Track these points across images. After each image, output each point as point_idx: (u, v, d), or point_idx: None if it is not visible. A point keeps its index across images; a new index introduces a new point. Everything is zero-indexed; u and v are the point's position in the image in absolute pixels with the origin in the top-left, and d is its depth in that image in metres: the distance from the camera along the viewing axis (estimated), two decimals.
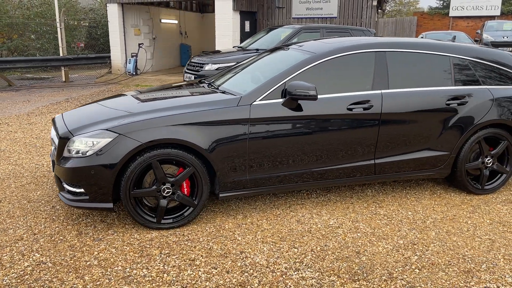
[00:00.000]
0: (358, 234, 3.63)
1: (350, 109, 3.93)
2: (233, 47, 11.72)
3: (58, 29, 14.61)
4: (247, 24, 14.02)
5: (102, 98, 6.14)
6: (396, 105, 4.06)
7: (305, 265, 3.15)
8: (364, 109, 3.96)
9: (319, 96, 3.87)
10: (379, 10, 18.55)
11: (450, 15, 26.75)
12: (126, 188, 3.50)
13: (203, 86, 4.47)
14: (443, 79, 4.31)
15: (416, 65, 4.28)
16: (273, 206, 4.17)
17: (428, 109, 4.15)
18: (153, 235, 3.60)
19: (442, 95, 4.20)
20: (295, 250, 3.37)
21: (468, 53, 4.44)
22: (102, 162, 3.41)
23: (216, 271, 3.07)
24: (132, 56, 15.46)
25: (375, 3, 12.75)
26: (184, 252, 3.32)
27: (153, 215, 3.66)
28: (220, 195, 3.79)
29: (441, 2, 34.08)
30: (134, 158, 3.49)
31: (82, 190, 3.51)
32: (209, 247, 3.40)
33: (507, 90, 4.44)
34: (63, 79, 14.75)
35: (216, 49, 12.41)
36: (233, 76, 4.59)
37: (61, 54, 14.79)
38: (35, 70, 17.44)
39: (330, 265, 3.16)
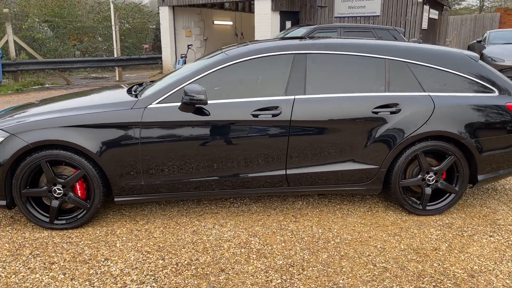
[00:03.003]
0: (242, 250, 3.38)
1: (256, 115, 3.66)
2: None
3: (113, 32, 15.50)
4: (288, 24, 13.77)
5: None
6: (310, 112, 3.71)
7: (153, 279, 2.99)
8: (273, 115, 3.68)
9: (220, 101, 3.69)
10: (445, 7, 17.25)
11: None
12: (16, 186, 3.58)
13: (128, 89, 4.41)
14: (375, 84, 3.86)
15: (344, 69, 3.89)
16: (184, 214, 4.03)
17: (350, 117, 3.74)
18: (42, 234, 3.65)
19: (368, 102, 3.76)
20: (161, 262, 3.22)
21: (409, 54, 3.93)
22: None
23: (63, 277, 3.03)
24: (181, 57, 15.92)
25: (420, 0, 11.85)
26: (53, 254, 3.32)
27: (47, 215, 3.71)
28: (115, 199, 3.74)
29: None
30: (25, 157, 3.56)
31: None
32: (80, 251, 3.37)
33: (454, 97, 3.86)
34: (117, 79, 15.65)
35: None
36: (161, 80, 4.51)
37: (115, 55, 15.67)
38: (101, 71, 18.71)
39: (180, 281, 2.97)
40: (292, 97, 3.73)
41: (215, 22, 17.78)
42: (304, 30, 9.38)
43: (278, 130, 3.69)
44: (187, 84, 3.68)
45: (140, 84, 4.59)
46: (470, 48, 15.65)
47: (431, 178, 3.89)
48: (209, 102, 3.66)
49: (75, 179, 3.63)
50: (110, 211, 4.09)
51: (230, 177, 3.77)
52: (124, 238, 3.59)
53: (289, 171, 3.79)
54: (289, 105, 3.69)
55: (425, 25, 13.20)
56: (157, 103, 3.66)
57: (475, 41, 15.21)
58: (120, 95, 4.06)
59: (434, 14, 15.45)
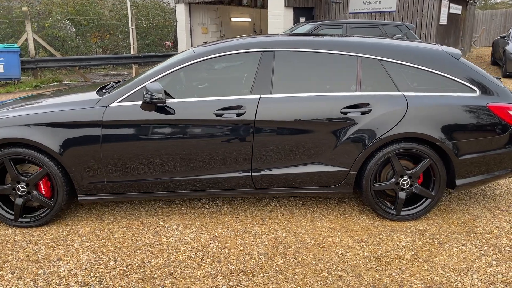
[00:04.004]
0: (198, 253, 3.29)
1: (219, 115, 3.56)
2: None
3: (130, 30, 15.64)
4: (302, 20, 13.56)
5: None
6: (276, 112, 3.58)
7: (98, 281, 2.95)
8: (237, 115, 3.57)
9: (184, 100, 3.63)
10: (470, 1, 16.65)
11: None
12: None
13: (101, 88, 4.36)
14: (346, 83, 3.70)
15: (313, 67, 3.74)
16: (152, 214, 3.98)
17: (317, 118, 3.59)
18: (6, 232, 3.67)
19: (337, 102, 3.60)
20: (112, 263, 3.17)
21: (383, 52, 3.74)
22: None
23: (11, 276, 3.02)
24: None
25: None
26: (10, 252, 3.33)
27: (13, 213, 3.72)
28: (79, 198, 3.72)
29: None
30: None
31: None
32: (36, 250, 3.36)
33: (430, 97, 3.65)
34: (134, 75, 15.81)
35: None
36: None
37: (132, 53, 15.82)
38: (121, 68, 18.95)
39: (124, 285, 2.91)
40: (258, 96, 3.61)
41: (233, 19, 17.71)
42: (309, 26, 9.18)
43: (242, 131, 3.58)
44: (149, 83, 3.61)
45: (117, 82, 4.55)
46: (494, 44, 15.05)
47: (405, 182, 3.70)
48: (173, 100, 3.59)
49: (38, 177, 3.62)
50: (80, 210, 4.08)
51: (196, 178, 3.69)
52: (84, 237, 3.56)
53: (254, 173, 3.68)
54: (253, 105, 3.58)
55: (443, 20, 12.74)
56: (120, 101, 3.61)
57: (499, 37, 14.61)
58: (89, 93, 4.03)
59: (457, 9, 14.92)
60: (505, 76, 12.40)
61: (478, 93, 3.70)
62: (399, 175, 3.69)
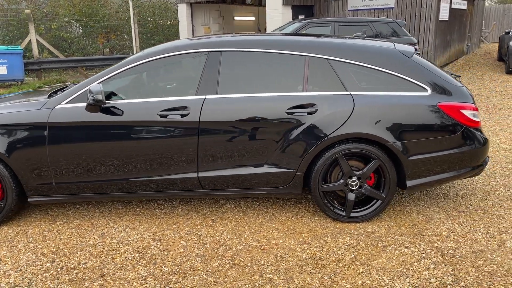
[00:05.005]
0: (136, 255, 3.29)
1: (164, 116, 3.55)
2: None
3: (132, 30, 15.79)
4: (301, 17, 13.46)
5: None
6: (220, 113, 3.56)
7: (28, 283, 2.97)
8: (182, 116, 3.56)
9: (127, 101, 3.63)
10: None
11: None
12: None
13: (55, 90, 4.38)
14: (293, 83, 3.65)
15: (260, 67, 3.70)
16: (105, 215, 3.99)
17: (263, 118, 3.55)
18: None
19: (282, 102, 3.56)
20: (48, 264, 3.19)
21: (331, 51, 3.68)
22: None
23: None
24: None
25: None
26: None
27: None
28: (29, 199, 3.76)
29: None
30: None
31: None
32: None
33: (378, 96, 3.56)
34: None
35: None
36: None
37: (134, 53, 15.95)
38: None
39: (53, 286, 2.92)
40: (203, 97, 3.59)
41: (236, 18, 17.69)
42: (297, 24, 9.10)
43: (187, 132, 3.56)
44: (95, 84, 3.61)
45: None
46: (500, 40, 14.69)
47: (354, 183, 3.63)
48: (118, 102, 3.60)
49: None
50: (36, 210, 4.12)
51: (147, 179, 3.68)
52: (31, 238, 3.59)
53: (201, 174, 3.65)
54: (198, 106, 3.56)
55: (444, 16, 12.49)
56: (66, 103, 3.63)
57: (504, 32, 14.26)
58: (42, 96, 4.06)
59: (461, 4, 14.60)
60: (509, 72, 12.09)
61: (429, 92, 3.60)
62: (347, 176, 3.62)
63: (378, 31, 8.84)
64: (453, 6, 13.32)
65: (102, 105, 3.52)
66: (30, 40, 14.29)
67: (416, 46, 9.14)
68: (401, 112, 3.53)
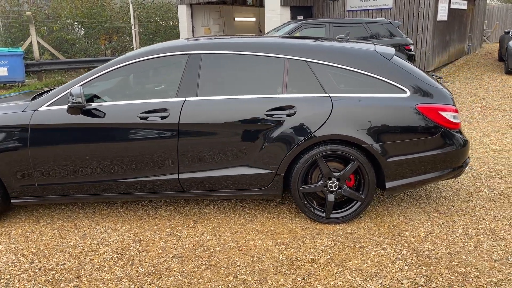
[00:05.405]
0: (115, 256, 3.33)
1: (144, 118, 3.59)
2: None
3: (133, 31, 15.86)
4: (299, 18, 13.46)
5: None
6: (199, 115, 3.58)
7: (5, 283, 3.01)
8: (162, 118, 3.59)
9: (108, 103, 3.67)
10: None
11: None
12: None
13: (40, 93, 4.43)
14: (272, 86, 3.67)
15: (240, 70, 3.72)
16: (89, 216, 4.03)
17: (242, 120, 3.57)
18: None
19: (261, 104, 3.58)
20: (27, 265, 3.23)
21: (311, 53, 3.70)
22: None
23: None
24: None
25: None
26: None
27: None
28: (12, 200, 3.80)
29: None
30: None
31: None
32: None
33: (356, 99, 3.58)
34: None
35: None
36: None
37: None
38: None
39: (30, 287, 2.96)
40: (183, 99, 3.62)
41: (236, 19, 17.72)
42: (292, 25, 9.11)
43: (167, 134, 3.59)
44: (77, 87, 3.65)
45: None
46: (501, 39, 14.62)
47: (333, 185, 3.64)
48: (99, 104, 3.65)
49: None
50: (21, 211, 4.17)
51: (129, 181, 3.72)
52: (13, 239, 3.64)
53: (181, 176, 3.68)
54: (178, 108, 3.59)
55: (443, 16, 12.44)
56: (48, 105, 3.67)
57: (504, 32, 14.20)
58: (26, 98, 4.11)
59: (461, 4, 14.54)
60: (508, 72, 12.03)
61: (408, 93, 3.61)
62: (326, 177, 3.64)
63: (373, 32, 8.83)
64: (452, 6, 13.27)
65: (83, 108, 3.56)
66: (31, 41, 14.40)
67: (412, 47, 9.12)
68: (380, 114, 3.54)
